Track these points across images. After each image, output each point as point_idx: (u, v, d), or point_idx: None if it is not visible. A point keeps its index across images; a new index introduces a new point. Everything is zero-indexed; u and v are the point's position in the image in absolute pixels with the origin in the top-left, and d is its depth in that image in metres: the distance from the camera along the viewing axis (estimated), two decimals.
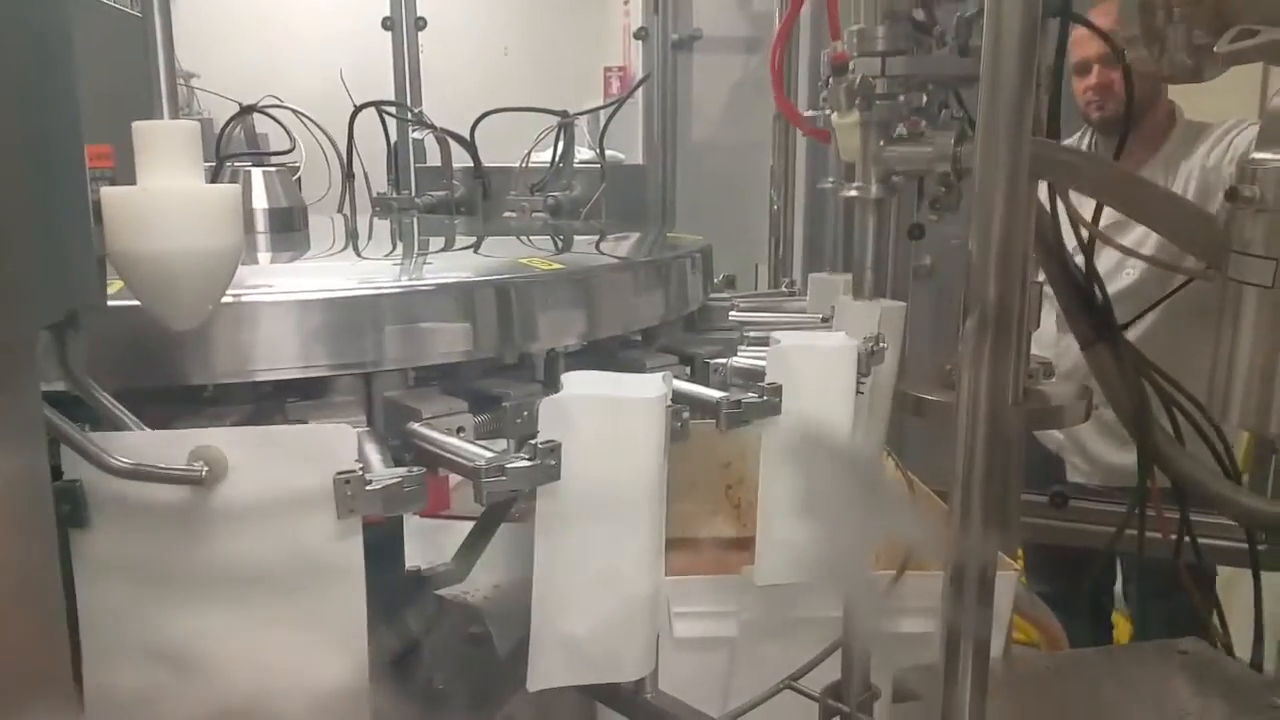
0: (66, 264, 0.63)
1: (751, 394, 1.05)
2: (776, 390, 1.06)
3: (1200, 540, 1.45)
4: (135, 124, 0.78)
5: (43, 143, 0.61)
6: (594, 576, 0.90)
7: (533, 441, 0.85)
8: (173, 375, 0.92)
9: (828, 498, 0.98)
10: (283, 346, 0.95)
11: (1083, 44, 1.99)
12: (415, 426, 0.94)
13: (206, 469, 0.73)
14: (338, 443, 0.77)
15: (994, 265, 0.94)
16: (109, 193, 0.77)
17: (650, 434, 0.90)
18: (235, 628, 0.77)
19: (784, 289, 2.18)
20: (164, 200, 0.77)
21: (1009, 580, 1.35)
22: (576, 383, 0.92)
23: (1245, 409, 0.97)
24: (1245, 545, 1.42)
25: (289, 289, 1.00)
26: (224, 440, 0.75)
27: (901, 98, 1.20)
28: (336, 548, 0.77)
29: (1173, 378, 1.39)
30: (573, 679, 0.95)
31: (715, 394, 1.06)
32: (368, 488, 0.75)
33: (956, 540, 0.96)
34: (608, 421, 0.88)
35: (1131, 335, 1.69)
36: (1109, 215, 1.41)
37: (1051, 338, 1.97)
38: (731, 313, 1.57)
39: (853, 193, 1.27)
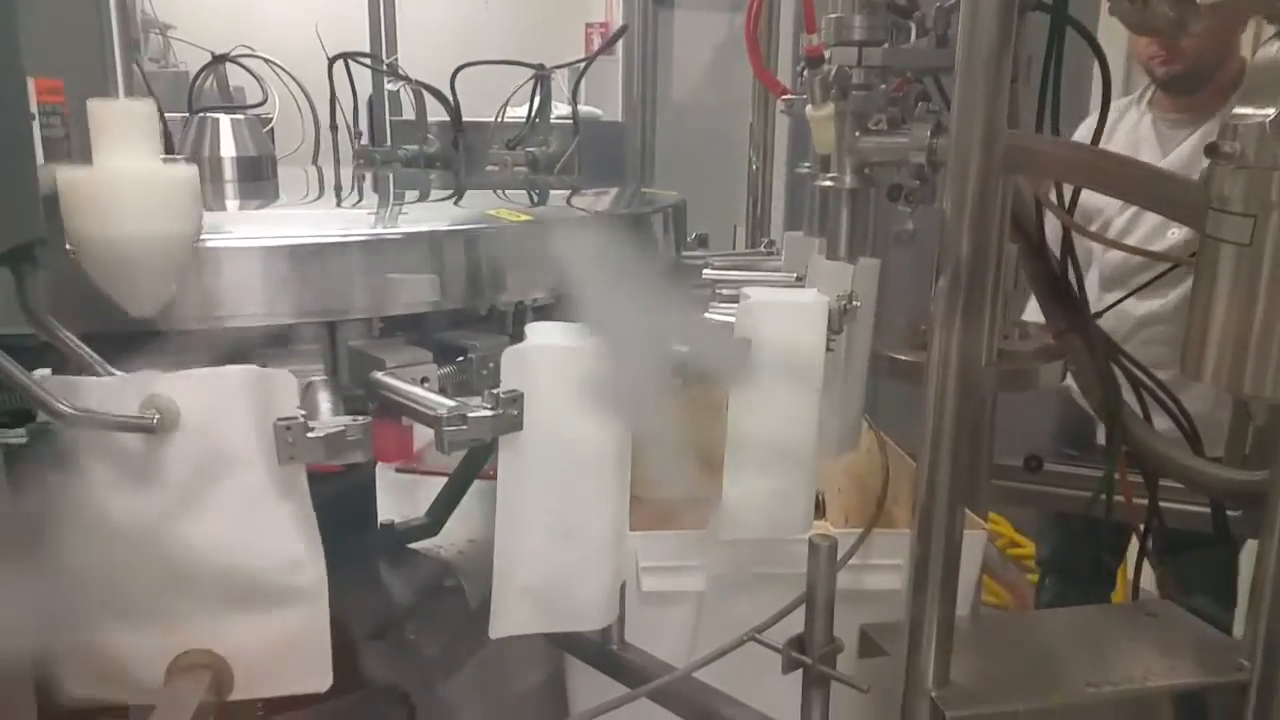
0: (5, 196, 0.61)
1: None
2: (744, 345, 1.05)
3: (1177, 507, 1.47)
4: (90, 102, 0.76)
5: None
6: (555, 525, 0.90)
7: (495, 391, 0.84)
8: (135, 320, 0.90)
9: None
10: (246, 293, 0.93)
11: None
12: (378, 376, 0.93)
13: (158, 416, 0.72)
14: (279, 388, 0.75)
15: (968, 223, 0.93)
16: (66, 174, 0.75)
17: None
18: (191, 572, 0.76)
19: (762, 249, 2.16)
20: (121, 183, 0.75)
21: (977, 540, 1.36)
22: (540, 333, 0.91)
23: (1219, 368, 0.96)
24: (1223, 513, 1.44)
25: (253, 235, 0.98)
26: (172, 383, 0.73)
27: (882, 86, 1.18)
28: (280, 495, 0.76)
29: (1140, 362, 1.39)
30: (534, 626, 0.95)
31: (684, 350, 1.05)
32: (309, 435, 0.74)
33: (924, 500, 0.96)
34: (571, 372, 0.87)
35: (1177, 292, 1.68)
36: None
37: (1094, 295, 1.93)
38: (705, 270, 1.56)
39: (828, 183, 1.25)
